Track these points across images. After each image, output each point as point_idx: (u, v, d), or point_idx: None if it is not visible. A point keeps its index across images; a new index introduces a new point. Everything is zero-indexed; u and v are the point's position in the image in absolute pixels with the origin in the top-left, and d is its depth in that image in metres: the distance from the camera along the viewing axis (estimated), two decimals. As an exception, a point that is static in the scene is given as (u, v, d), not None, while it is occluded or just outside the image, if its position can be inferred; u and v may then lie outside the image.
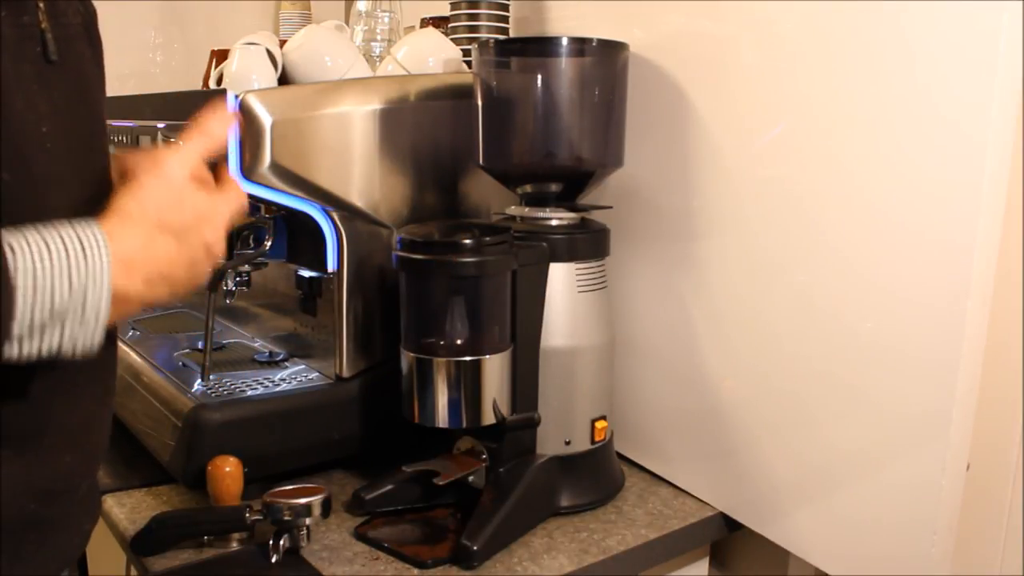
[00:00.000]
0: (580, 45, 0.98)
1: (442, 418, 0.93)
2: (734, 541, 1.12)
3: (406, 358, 0.94)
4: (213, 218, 0.64)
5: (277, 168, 0.94)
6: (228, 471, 0.93)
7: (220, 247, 0.65)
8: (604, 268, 1.01)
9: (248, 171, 0.93)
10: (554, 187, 1.02)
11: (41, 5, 0.58)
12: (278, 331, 1.24)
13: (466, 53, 1.19)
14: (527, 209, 1.01)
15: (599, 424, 1.00)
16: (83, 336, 0.54)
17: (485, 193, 1.12)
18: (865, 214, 0.82)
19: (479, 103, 1.01)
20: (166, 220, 0.60)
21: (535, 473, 0.96)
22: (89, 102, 0.64)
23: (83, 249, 0.53)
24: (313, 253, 1.05)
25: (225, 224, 0.65)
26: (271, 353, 1.19)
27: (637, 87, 1.02)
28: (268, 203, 1.02)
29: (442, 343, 0.93)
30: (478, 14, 1.21)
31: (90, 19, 0.67)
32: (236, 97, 0.92)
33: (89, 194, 0.62)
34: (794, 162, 0.88)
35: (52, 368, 0.59)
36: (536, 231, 0.97)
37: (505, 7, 1.22)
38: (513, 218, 1.02)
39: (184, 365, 1.15)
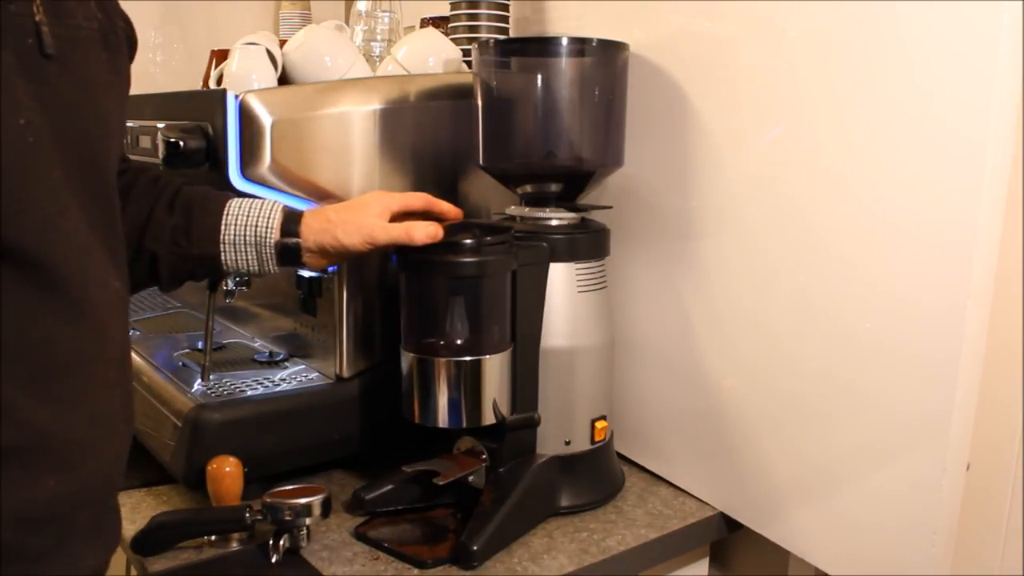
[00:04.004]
0: (580, 45, 0.98)
1: (442, 418, 0.93)
2: (734, 541, 1.12)
3: (406, 358, 0.94)
4: None
5: (277, 168, 0.94)
6: (228, 471, 0.93)
7: None
8: (604, 268, 1.01)
9: (248, 171, 0.93)
10: (554, 187, 1.02)
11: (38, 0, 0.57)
12: (278, 331, 1.24)
13: (466, 53, 1.19)
14: (527, 209, 1.01)
15: (599, 424, 1.00)
16: None
17: (485, 193, 1.12)
18: (865, 214, 0.82)
19: (479, 103, 1.01)
20: None
21: (535, 473, 0.96)
22: (94, 104, 0.63)
23: None
24: (313, 253, 1.05)
25: None
26: (271, 353, 1.19)
27: (637, 87, 1.02)
28: (268, 203, 1.02)
29: (442, 343, 0.93)
30: (478, 14, 1.21)
31: (110, 27, 0.65)
32: (236, 97, 0.92)
33: (83, 196, 0.62)
34: (794, 162, 0.88)
35: (34, 380, 0.58)
36: (536, 231, 0.97)
37: (505, 7, 1.22)
38: (513, 218, 1.02)
39: (184, 365, 1.15)
